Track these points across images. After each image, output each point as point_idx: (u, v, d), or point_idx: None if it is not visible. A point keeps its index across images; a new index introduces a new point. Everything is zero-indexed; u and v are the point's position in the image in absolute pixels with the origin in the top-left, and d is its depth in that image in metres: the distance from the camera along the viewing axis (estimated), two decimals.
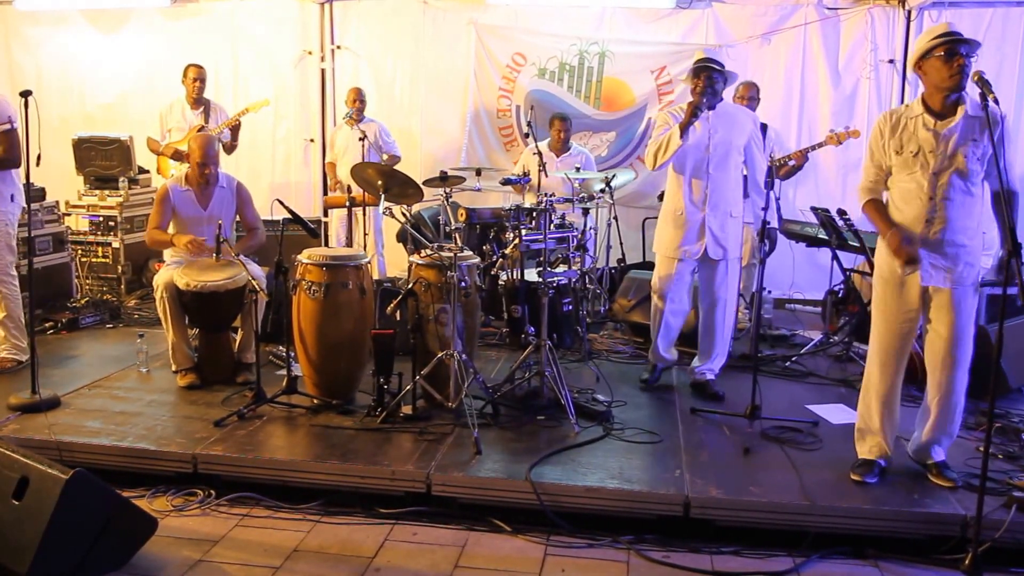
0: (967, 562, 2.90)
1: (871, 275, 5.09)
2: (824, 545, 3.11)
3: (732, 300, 4.42)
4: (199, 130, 5.98)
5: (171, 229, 4.61)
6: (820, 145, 5.55)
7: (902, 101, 6.54)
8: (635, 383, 4.55)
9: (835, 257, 5.33)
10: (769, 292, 6.26)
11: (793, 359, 5.15)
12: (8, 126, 4.35)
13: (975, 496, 2.95)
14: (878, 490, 3.31)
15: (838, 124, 5.75)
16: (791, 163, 5.58)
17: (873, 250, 4.86)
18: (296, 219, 4.32)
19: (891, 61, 6.63)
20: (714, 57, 4.25)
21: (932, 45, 3.14)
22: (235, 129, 6.20)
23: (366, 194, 5.10)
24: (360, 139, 5.85)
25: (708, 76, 4.17)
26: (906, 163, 3.25)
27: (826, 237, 5.29)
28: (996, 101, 2.96)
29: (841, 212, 5.00)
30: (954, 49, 3.08)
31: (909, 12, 6.52)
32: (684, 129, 4.10)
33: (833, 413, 4.22)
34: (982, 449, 2.99)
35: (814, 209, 5.29)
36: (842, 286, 5.55)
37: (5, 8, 7.55)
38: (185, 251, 4.46)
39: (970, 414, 3.51)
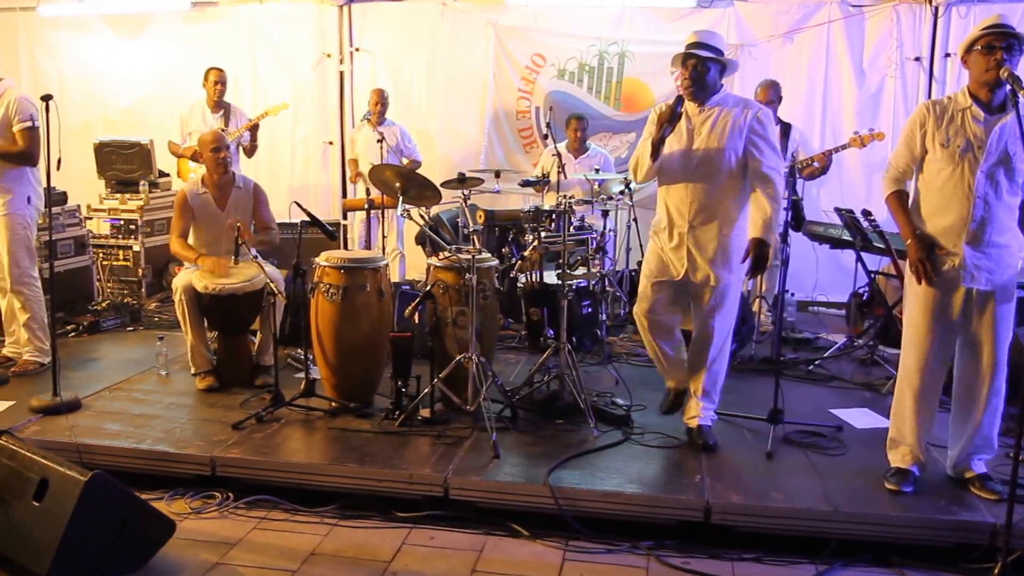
0: (996, 572, 2.82)
1: (897, 277, 5.02)
2: (847, 553, 3.05)
3: (726, 334, 3.74)
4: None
5: (191, 234, 4.62)
6: (844, 147, 5.46)
7: (929, 99, 6.44)
8: (655, 386, 4.47)
9: (859, 259, 5.25)
10: (792, 294, 6.18)
11: (816, 362, 5.08)
12: (30, 123, 4.39)
13: (1004, 504, 2.87)
14: (903, 497, 3.24)
15: (862, 124, 5.66)
16: (815, 164, 5.49)
17: (899, 252, 4.81)
18: (314, 221, 4.31)
19: (917, 59, 6.52)
20: (708, 41, 3.48)
21: (976, 37, 3.08)
22: (254, 131, 6.23)
23: (384, 196, 5.10)
24: (378, 141, 5.84)
25: (696, 66, 3.47)
26: (951, 158, 3.12)
27: (850, 239, 5.20)
28: None
29: (866, 213, 4.92)
30: (993, 43, 3.01)
31: (936, 8, 6.41)
32: (656, 147, 3.50)
33: (857, 417, 4.15)
34: (1012, 455, 2.91)
35: (838, 210, 5.20)
36: (867, 288, 5.46)
37: (28, 14, 7.63)
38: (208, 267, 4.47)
39: (1001, 419, 3.42)
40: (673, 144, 3.56)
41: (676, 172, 3.59)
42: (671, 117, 3.46)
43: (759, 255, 3.45)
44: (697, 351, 3.77)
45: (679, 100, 3.49)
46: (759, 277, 5.66)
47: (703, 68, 3.46)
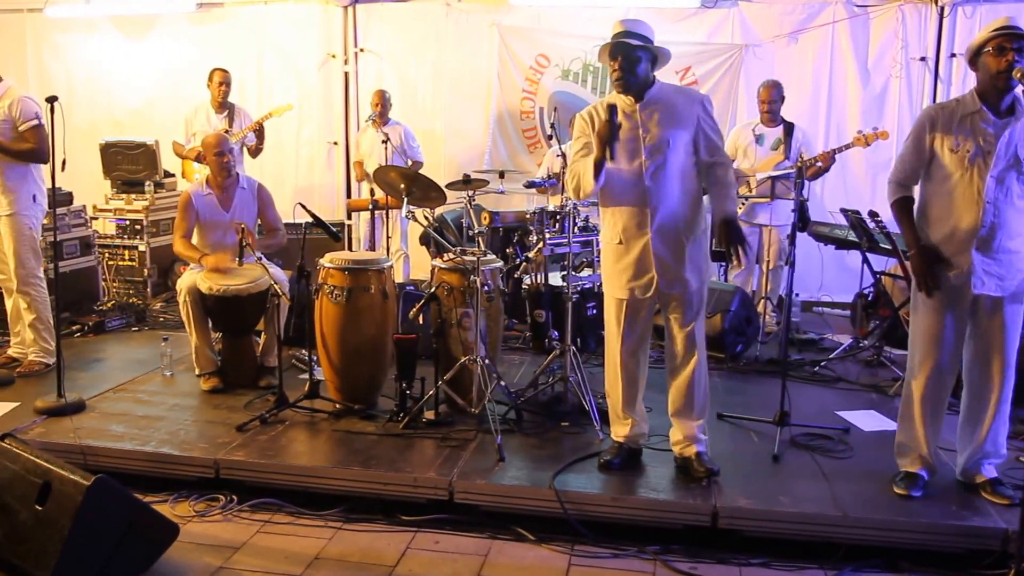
0: None
1: (903, 278, 4.99)
2: (857, 558, 3.03)
3: (704, 342, 3.48)
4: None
5: (195, 234, 4.61)
6: (847, 147, 5.43)
7: (934, 100, 6.41)
8: (661, 388, 4.40)
9: (865, 260, 5.22)
10: (797, 295, 6.15)
11: (822, 364, 5.05)
12: (36, 121, 4.41)
13: (1016, 508, 2.84)
14: (914, 501, 3.21)
15: (867, 124, 5.62)
16: (818, 164, 5.47)
17: (905, 253, 4.77)
18: (318, 223, 4.30)
19: (923, 59, 6.49)
20: (635, 29, 3.26)
21: (985, 39, 3.03)
22: (259, 132, 6.22)
23: (389, 196, 5.09)
24: (383, 142, 5.84)
25: (627, 56, 3.23)
26: (960, 163, 3.07)
27: (856, 239, 5.17)
28: None
29: (872, 214, 4.89)
30: (1004, 44, 2.96)
31: (942, 8, 6.38)
32: (598, 166, 3.20)
33: (864, 420, 4.13)
34: (1023, 459, 2.89)
35: (844, 211, 5.17)
36: (872, 289, 5.43)
37: (36, 16, 7.64)
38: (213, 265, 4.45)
39: (1009, 422, 3.39)
40: (621, 149, 3.27)
41: (628, 178, 3.29)
42: (610, 131, 3.16)
43: (732, 236, 3.25)
44: (680, 366, 3.47)
45: (612, 109, 3.20)
46: (764, 277, 5.66)
47: (634, 58, 3.23)
